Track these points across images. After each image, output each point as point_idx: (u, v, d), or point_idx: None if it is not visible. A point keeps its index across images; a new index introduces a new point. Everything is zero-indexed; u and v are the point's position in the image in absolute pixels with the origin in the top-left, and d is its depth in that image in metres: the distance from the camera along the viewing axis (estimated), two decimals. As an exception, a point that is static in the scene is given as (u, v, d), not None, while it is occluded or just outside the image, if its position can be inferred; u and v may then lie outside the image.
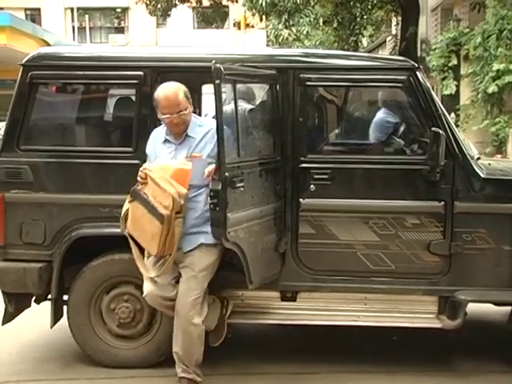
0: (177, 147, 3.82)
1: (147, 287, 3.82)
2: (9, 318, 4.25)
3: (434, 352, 4.52)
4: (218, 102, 3.47)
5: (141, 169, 3.70)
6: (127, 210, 3.72)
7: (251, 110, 4.46)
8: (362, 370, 4.21)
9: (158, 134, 3.92)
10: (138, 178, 3.67)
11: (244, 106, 4.54)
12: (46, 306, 4.25)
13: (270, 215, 3.99)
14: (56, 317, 4.19)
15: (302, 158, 4.08)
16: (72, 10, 31.52)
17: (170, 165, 3.70)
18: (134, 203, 3.68)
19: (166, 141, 3.86)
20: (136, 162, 4.00)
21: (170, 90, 3.74)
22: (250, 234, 3.81)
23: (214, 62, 3.46)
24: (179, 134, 3.81)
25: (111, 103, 4.85)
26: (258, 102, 4.72)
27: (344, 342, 4.64)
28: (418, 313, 4.14)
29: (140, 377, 4.10)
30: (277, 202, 4.04)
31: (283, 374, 4.20)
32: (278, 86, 4.07)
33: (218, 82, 3.45)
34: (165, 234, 3.58)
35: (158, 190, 3.60)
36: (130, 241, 3.76)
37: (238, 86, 3.94)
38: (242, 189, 3.68)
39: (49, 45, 16.38)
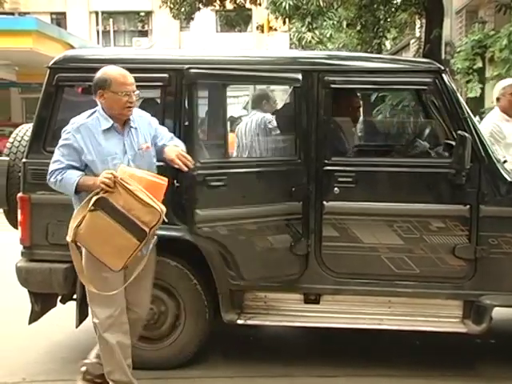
0: (125, 139, 3.54)
1: (104, 312, 3.54)
2: (35, 317, 4.29)
3: (458, 357, 4.48)
4: (189, 105, 3.86)
5: (106, 175, 3.31)
6: (82, 219, 3.33)
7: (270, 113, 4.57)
8: (385, 374, 4.19)
9: (91, 124, 3.50)
10: (102, 185, 3.30)
11: (259, 114, 4.71)
12: (72, 305, 4.29)
13: (278, 216, 4.03)
14: (81, 317, 4.21)
15: (326, 161, 4.08)
16: (97, 13, 31.79)
17: (143, 176, 3.38)
18: (98, 213, 3.30)
19: (109, 129, 3.51)
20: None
21: (121, 69, 3.55)
22: (240, 232, 3.93)
23: (186, 67, 3.86)
24: (125, 121, 3.54)
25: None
26: (277, 107, 4.80)
27: (367, 346, 4.61)
28: (442, 317, 4.11)
29: (164, 378, 4.11)
30: (289, 203, 4.04)
31: (305, 376, 4.19)
32: (296, 87, 4.10)
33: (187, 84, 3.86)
34: (138, 249, 3.37)
35: (135, 203, 3.28)
36: (75, 251, 3.42)
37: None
38: (224, 188, 3.87)
39: (74, 48, 16.52)
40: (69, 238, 3.38)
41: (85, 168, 3.50)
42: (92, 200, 3.32)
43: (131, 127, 3.58)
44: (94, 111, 3.56)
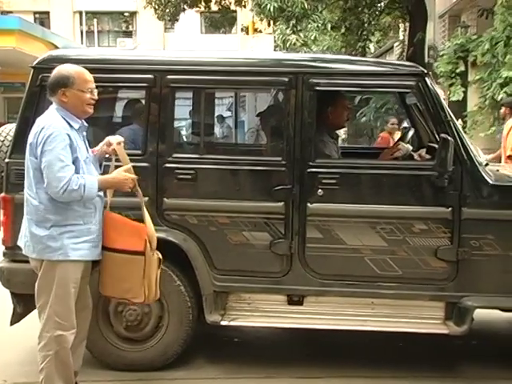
0: (85, 140, 3.52)
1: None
2: (17, 318, 4.27)
3: (440, 358, 4.51)
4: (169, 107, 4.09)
5: (126, 175, 3.47)
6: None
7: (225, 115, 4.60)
8: (367, 375, 4.22)
9: (61, 123, 3.38)
10: (129, 186, 3.49)
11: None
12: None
13: (256, 213, 4.09)
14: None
15: (310, 163, 4.10)
16: (80, 13, 31.65)
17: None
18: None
19: (78, 129, 3.45)
20: (145, 164, 4.04)
21: (79, 67, 3.48)
22: (211, 224, 4.07)
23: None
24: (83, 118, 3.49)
25: (120, 106, 4.88)
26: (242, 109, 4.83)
27: (349, 347, 4.64)
28: (424, 318, 4.14)
29: (148, 380, 4.11)
30: (268, 203, 4.08)
31: (288, 378, 4.20)
32: (280, 89, 4.14)
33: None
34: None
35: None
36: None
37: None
38: (193, 182, 4.04)
39: (57, 48, 16.43)
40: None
41: None
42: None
43: (84, 125, 3.51)
44: (51, 113, 3.42)
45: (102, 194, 3.51)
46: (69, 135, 3.35)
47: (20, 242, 3.56)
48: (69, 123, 3.40)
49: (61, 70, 3.45)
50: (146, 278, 3.51)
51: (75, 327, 3.48)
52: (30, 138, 3.40)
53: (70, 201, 3.34)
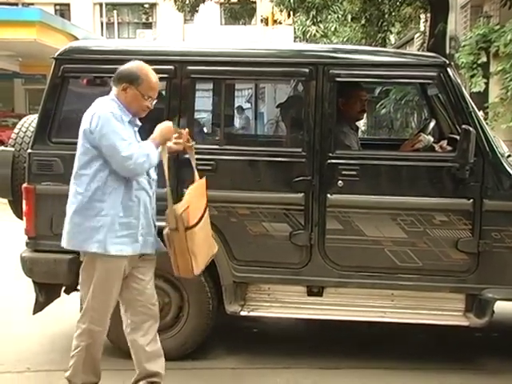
0: (134, 133, 3.44)
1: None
2: (39, 307, 4.32)
3: (461, 350, 4.50)
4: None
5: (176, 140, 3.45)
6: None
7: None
8: (386, 367, 4.22)
9: (115, 109, 3.32)
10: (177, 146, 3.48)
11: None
12: (76, 296, 4.31)
13: (276, 204, 4.09)
14: (85, 307, 4.25)
15: (330, 154, 4.09)
16: (101, 5, 31.76)
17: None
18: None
19: (129, 122, 3.38)
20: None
21: (153, 72, 3.41)
22: (230, 214, 4.09)
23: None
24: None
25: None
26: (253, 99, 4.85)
27: (369, 339, 4.64)
28: (444, 310, 4.13)
29: (167, 369, 4.09)
30: (288, 194, 4.08)
31: (308, 368, 4.22)
32: (301, 80, 4.12)
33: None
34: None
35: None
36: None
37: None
38: (213, 173, 4.02)
39: (78, 40, 16.54)
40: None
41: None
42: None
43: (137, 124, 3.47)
44: (104, 100, 3.36)
45: (147, 187, 3.44)
46: (123, 120, 3.32)
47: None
48: (122, 114, 3.33)
49: (134, 65, 3.38)
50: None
51: (107, 327, 3.47)
52: (84, 125, 3.32)
53: (141, 174, 3.33)
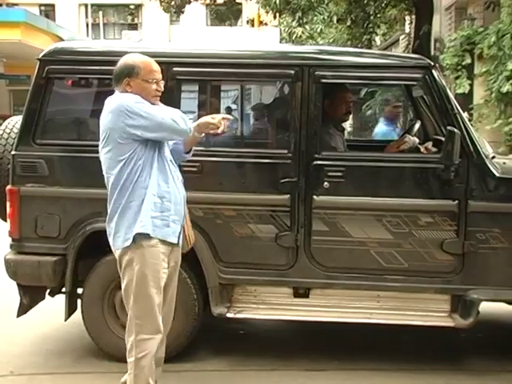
0: None
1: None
2: (23, 310, 4.29)
3: (446, 350, 4.51)
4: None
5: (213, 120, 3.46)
6: None
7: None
8: (373, 368, 4.22)
9: (137, 98, 3.26)
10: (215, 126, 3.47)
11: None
12: (60, 299, 4.28)
13: (261, 206, 4.09)
14: (70, 310, 4.23)
15: (316, 155, 4.09)
16: (86, 6, 31.60)
17: None
18: None
19: None
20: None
21: (146, 56, 3.35)
22: (216, 216, 4.08)
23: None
24: None
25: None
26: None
27: (355, 340, 4.64)
28: (430, 311, 4.14)
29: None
30: (274, 195, 4.08)
31: (294, 370, 4.21)
32: (286, 82, 4.13)
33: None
34: None
35: None
36: None
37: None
38: (198, 174, 4.04)
39: (63, 41, 16.44)
40: None
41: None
42: None
43: None
44: (123, 93, 3.27)
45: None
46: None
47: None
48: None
49: (126, 59, 3.32)
50: None
51: (161, 331, 3.36)
52: (113, 122, 3.19)
53: (188, 128, 3.28)
